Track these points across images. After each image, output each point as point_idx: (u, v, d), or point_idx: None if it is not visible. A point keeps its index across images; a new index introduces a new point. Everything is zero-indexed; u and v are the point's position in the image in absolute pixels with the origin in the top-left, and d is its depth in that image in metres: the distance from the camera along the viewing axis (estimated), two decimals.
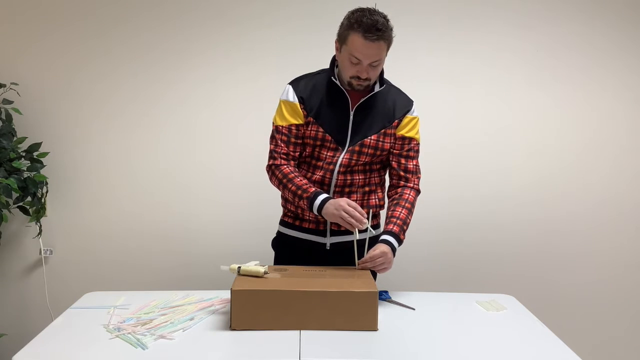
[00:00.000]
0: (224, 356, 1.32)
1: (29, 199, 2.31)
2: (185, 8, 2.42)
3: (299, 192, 1.66)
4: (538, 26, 2.48)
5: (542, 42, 2.49)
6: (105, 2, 2.41)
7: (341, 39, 1.63)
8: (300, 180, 1.68)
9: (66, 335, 1.40)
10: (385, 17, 1.59)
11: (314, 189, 1.66)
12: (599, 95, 2.53)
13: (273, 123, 1.76)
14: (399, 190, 1.77)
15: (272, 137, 1.76)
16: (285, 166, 1.72)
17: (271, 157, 1.75)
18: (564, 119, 2.54)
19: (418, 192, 1.80)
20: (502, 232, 2.56)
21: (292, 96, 1.72)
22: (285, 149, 1.73)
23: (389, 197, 1.81)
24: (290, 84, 1.75)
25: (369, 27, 1.54)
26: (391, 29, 1.60)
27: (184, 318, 1.49)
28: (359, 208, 1.60)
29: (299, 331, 1.40)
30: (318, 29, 2.39)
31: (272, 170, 1.74)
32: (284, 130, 1.72)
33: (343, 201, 1.60)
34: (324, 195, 1.64)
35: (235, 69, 2.46)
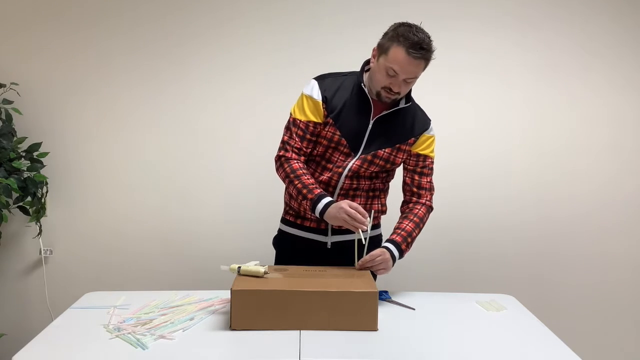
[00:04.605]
0: (224, 356, 1.32)
1: (29, 199, 2.30)
2: (186, 9, 2.42)
3: (304, 191, 1.64)
4: (540, 26, 2.48)
5: (544, 42, 2.49)
6: (105, 2, 2.41)
7: (382, 49, 1.60)
8: (308, 179, 1.66)
9: (66, 335, 1.40)
10: (429, 37, 1.57)
11: (319, 190, 1.64)
12: (603, 96, 2.53)
13: (291, 114, 1.73)
14: (411, 205, 1.77)
15: (287, 129, 1.73)
16: (295, 161, 1.69)
17: (283, 148, 1.72)
18: (566, 119, 2.53)
19: (430, 208, 1.79)
20: (502, 232, 2.56)
21: (316, 93, 1.68)
22: (299, 143, 1.70)
23: (401, 212, 1.80)
24: (316, 79, 1.72)
25: (415, 44, 1.53)
26: (433, 51, 1.58)
27: (184, 318, 1.49)
28: (360, 209, 1.59)
29: (299, 331, 1.40)
30: (319, 29, 2.38)
31: (282, 162, 1.71)
32: (301, 125, 1.70)
33: (344, 203, 1.59)
34: (327, 199, 1.63)
35: (236, 70, 2.45)
